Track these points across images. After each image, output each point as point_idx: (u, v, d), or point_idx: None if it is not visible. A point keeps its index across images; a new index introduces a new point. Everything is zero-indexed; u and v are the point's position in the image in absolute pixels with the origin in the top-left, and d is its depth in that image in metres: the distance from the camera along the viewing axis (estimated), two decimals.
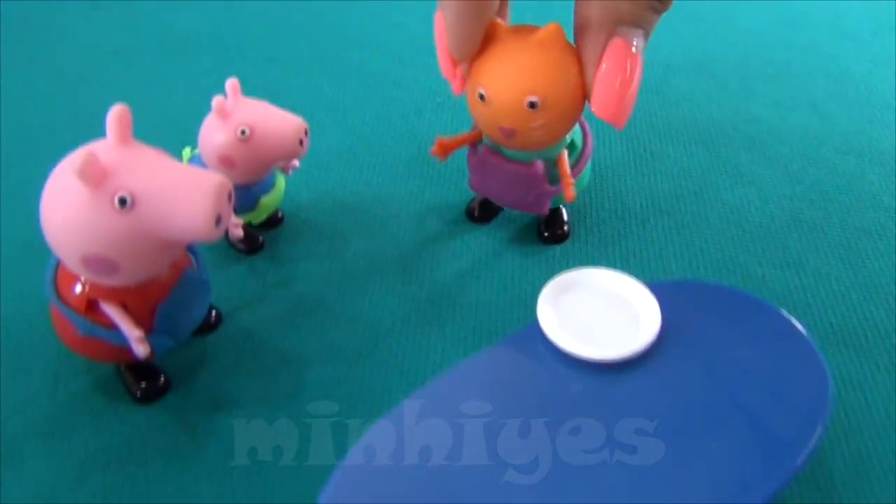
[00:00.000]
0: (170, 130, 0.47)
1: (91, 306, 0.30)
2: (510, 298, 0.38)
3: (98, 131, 0.28)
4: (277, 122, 0.36)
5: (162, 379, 0.34)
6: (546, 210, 0.39)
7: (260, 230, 0.41)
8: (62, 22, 0.63)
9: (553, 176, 0.38)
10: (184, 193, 0.27)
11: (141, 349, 0.30)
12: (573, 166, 0.38)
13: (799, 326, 0.29)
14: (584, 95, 0.33)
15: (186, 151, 0.41)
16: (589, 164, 0.40)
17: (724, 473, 0.24)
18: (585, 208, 0.43)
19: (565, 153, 0.37)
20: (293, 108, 0.38)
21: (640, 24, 0.30)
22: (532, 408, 0.27)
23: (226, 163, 0.37)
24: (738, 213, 0.43)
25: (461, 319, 0.37)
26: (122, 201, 0.26)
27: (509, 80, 0.33)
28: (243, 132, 0.36)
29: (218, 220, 0.28)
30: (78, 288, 0.30)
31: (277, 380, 0.35)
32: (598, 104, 0.32)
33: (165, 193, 0.27)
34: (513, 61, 0.33)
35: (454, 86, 0.36)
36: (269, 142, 0.36)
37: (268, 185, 0.40)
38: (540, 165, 0.37)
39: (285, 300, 0.38)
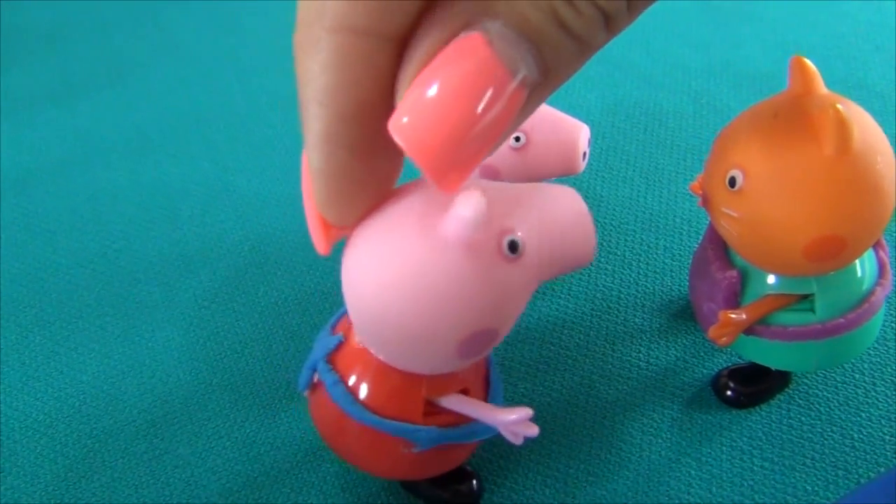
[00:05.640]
0: None
1: (428, 408, 0.23)
2: None
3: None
4: (558, 129, 0.29)
5: (474, 482, 0.27)
6: (710, 336, 0.27)
7: None
8: None
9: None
10: (567, 219, 0.20)
11: (533, 430, 0.22)
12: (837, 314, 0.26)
13: None
14: None
15: None
16: (879, 315, 0.27)
17: None
18: None
19: (773, 298, 0.26)
20: None
21: (542, 39, 0.15)
22: None
23: (489, 173, 0.30)
24: None
25: None
26: (513, 246, 0.19)
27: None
28: (517, 139, 0.29)
29: None
30: (399, 387, 0.23)
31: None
32: (399, 125, 0.16)
33: (552, 225, 0.20)
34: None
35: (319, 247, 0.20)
36: (546, 153, 0.29)
37: None
38: (735, 276, 0.26)
39: (563, 364, 0.31)
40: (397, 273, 0.19)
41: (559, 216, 0.20)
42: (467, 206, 0.18)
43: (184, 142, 0.42)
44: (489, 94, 0.15)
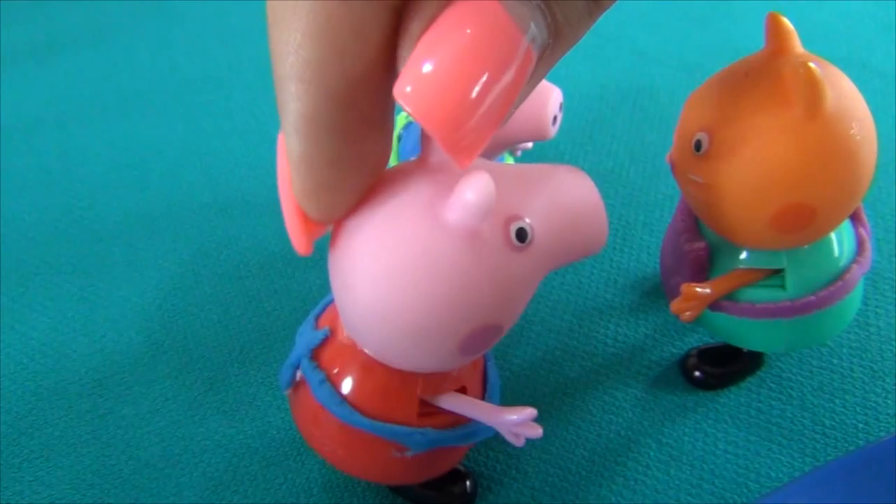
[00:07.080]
0: None
1: (423, 409, 0.21)
2: None
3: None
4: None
5: (468, 483, 0.25)
6: (673, 310, 0.25)
7: None
8: None
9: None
10: (580, 205, 0.19)
11: (537, 431, 0.20)
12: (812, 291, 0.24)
13: None
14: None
15: (401, 118, 0.33)
16: (858, 290, 0.25)
17: None
18: None
19: (741, 273, 0.24)
20: None
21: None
22: None
23: None
24: None
25: None
26: (522, 234, 0.18)
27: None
28: None
29: None
30: (391, 386, 0.21)
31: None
32: (404, 92, 0.14)
33: (563, 211, 0.18)
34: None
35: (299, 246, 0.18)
36: (515, 117, 0.28)
37: None
38: (703, 248, 0.25)
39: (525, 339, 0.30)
40: (397, 263, 0.17)
41: (571, 202, 0.19)
42: (473, 190, 0.16)
43: (161, 103, 0.41)
44: (500, 55, 0.14)
